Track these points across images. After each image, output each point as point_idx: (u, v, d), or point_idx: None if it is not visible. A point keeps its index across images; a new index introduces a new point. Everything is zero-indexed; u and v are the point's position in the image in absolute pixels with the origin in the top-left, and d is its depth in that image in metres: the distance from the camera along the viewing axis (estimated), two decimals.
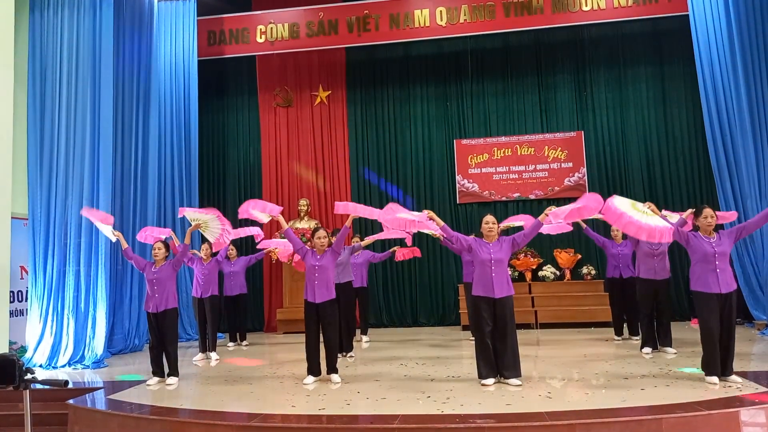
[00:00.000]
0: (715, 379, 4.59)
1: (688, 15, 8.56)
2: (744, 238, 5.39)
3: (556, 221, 5.10)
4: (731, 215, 6.44)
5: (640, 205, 5.10)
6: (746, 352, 6.05)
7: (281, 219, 5.62)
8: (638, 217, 4.89)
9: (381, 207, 9.50)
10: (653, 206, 5.07)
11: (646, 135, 9.53)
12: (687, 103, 9.38)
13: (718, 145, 8.17)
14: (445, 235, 6.41)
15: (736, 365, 4.76)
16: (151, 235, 6.41)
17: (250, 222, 6.52)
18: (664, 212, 6.38)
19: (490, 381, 4.84)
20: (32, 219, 7.18)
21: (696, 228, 4.86)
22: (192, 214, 5.97)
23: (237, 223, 7.15)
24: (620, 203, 5.05)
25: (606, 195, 5.48)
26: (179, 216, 6.64)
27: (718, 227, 4.92)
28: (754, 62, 7.81)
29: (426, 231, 6.41)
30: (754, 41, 7.83)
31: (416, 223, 6.10)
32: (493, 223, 5.03)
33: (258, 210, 5.69)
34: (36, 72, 7.40)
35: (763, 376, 4.81)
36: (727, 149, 8.11)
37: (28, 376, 2.25)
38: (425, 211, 5.23)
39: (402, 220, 6.37)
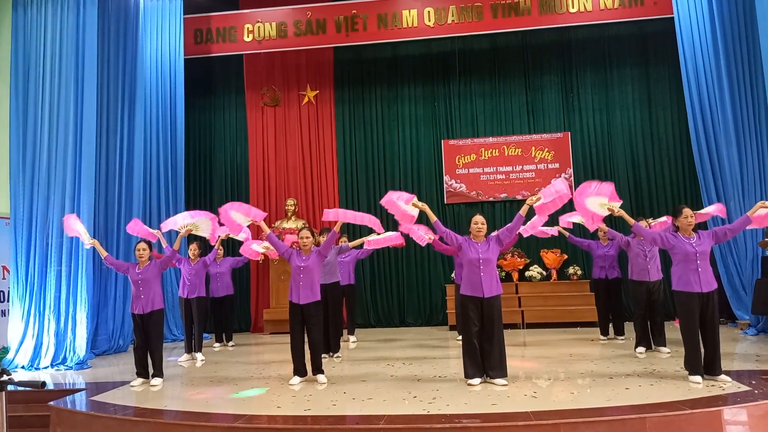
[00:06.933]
0: (698, 378, 4.63)
1: (673, 18, 8.64)
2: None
3: (546, 199, 5.08)
4: (717, 209, 6.37)
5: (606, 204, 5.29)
6: (729, 351, 6.12)
7: (263, 224, 5.54)
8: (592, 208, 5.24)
9: (368, 208, 9.71)
10: (625, 214, 5.16)
11: (632, 136, 9.62)
12: (672, 105, 9.48)
13: (702, 146, 8.26)
14: (434, 238, 6.45)
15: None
16: (140, 231, 6.33)
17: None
18: (651, 221, 6.46)
19: (477, 381, 4.85)
20: (14, 218, 7.08)
21: (676, 228, 4.89)
22: (179, 223, 5.92)
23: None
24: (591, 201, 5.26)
25: None
26: (164, 231, 6.52)
27: (697, 227, 4.96)
28: (738, 65, 7.91)
29: (414, 237, 6.42)
30: (737, 44, 7.92)
31: (409, 229, 6.13)
32: (482, 224, 5.03)
33: (242, 213, 5.59)
34: (18, 69, 7.30)
35: (746, 375, 4.86)
36: (711, 151, 8.20)
37: (4, 377, 2.21)
38: (420, 203, 5.17)
39: (387, 239, 6.37)
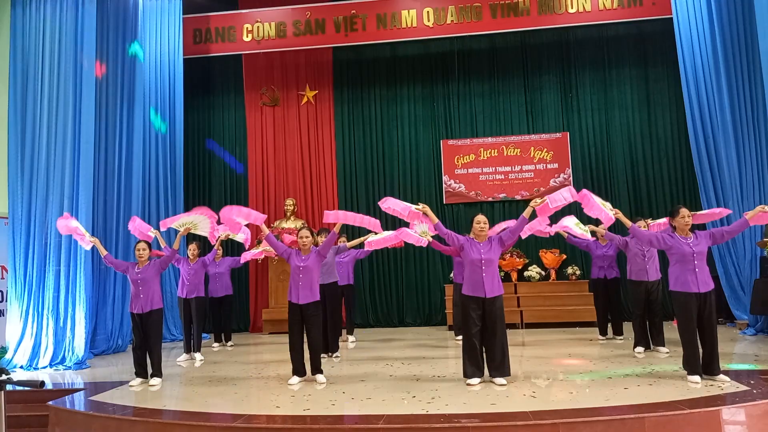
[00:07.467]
0: (696, 378, 4.64)
1: (671, 18, 8.64)
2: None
3: (553, 205, 5.09)
4: (718, 212, 6.32)
5: (608, 206, 5.35)
6: (728, 351, 6.13)
7: (262, 225, 5.57)
8: (601, 206, 5.28)
9: (367, 208, 9.74)
10: (622, 215, 5.23)
11: (631, 136, 9.63)
12: (671, 105, 9.49)
13: (700, 146, 8.26)
14: (431, 240, 6.45)
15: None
16: (138, 229, 6.35)
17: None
18: (650, 221, 6.44)
19: (475, 380, 4.85)
20: (12, 218, 7.08)
21: (673, 228, 4.89)
22: (177, 222, 5.96)
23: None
24: (595, 198, 5.33)
25: None
26: (162, 229, 6.57)
27: (695, 227, 4.96)
28: (737, 65, 7.91)
29: (412, 242, 6.44)
30: (736, 44, 7.93)
31: (403, 232, 6.16)
32: (485, 223, 5.03)
33: (242, 217, 5.66)
34: (17, 69, 7.29)
35: (744, 375, 4.87)
36: (709, 151, 8.20)
37: (3, 377, 2.21)
38: (421, 205, 5.19)
39: (387, 239, 6.37)
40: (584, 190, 5.35)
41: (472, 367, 4.89)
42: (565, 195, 5.03)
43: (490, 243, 4.98)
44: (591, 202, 5.27)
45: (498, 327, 4.86)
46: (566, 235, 7.10)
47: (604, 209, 5.24)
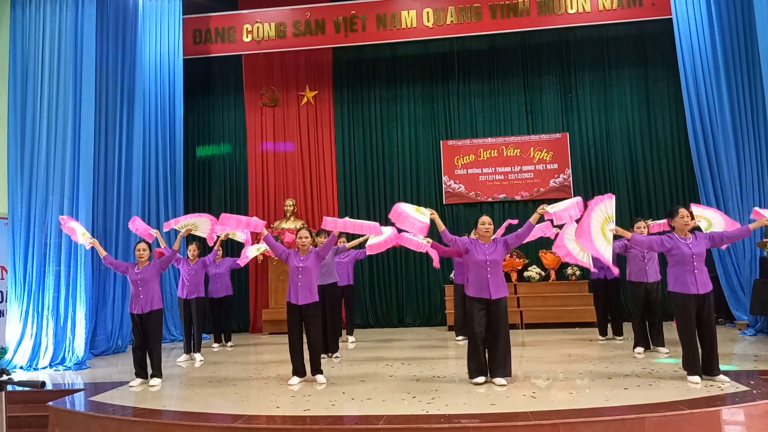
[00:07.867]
0: (696, 378, 4.64)
1: (671, 18, 8.65)
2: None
3: (558, 222, 5.04)
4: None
5: (610, 225, 4.78)
6: (728, 352, 6.14)
7: (263, 230, 5.58)
8: (597, 242, 4.72)
9: (367, 208, 9.73)
10: (620, 229, 4.85)
11: (630, 137, 9.63)
12: (670, 106, 9.49)
13: (700, 147, 8.27)
14: (430, 242, 6.45)
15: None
16: (139, 229, 6.37)
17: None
18: (650, 222, 6.43)
19: (480, 380, 4.85)
20: (12, 218, 7.08)
21: (672, 229, 4.89)
22: (180, 223, 6.00)
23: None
24: (595, 218, 4.73)
25: (590, 197, 5.24)
26: (165, 230, 6.59)
27: (694, 228, 4.96)
28: (736, 65, 7.92)
29: (412, 248, 6.43)
30: (736, 45, 7.93)
31: (403, 238, 6.17)
32: (489, 224, 5.04)
33: (241, 227, 5.70)
34: (17, 69, 7.30)
35: (744, 375, 4.87)
36: (709, 151, 8.20)
37: (4, 377, 2.21)
38: (429, 211, 5.16)
39: (387, 242, 6.36)
40: (587, 208, 4.75)
41: (476, 368, 4.89)
42: (572, 213, 5.00)
43: (495, 244, 4.98)
44: (588, 236, 4.68)
45: (501, 328, 4.87)
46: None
47: (597, 247, 4.68)
